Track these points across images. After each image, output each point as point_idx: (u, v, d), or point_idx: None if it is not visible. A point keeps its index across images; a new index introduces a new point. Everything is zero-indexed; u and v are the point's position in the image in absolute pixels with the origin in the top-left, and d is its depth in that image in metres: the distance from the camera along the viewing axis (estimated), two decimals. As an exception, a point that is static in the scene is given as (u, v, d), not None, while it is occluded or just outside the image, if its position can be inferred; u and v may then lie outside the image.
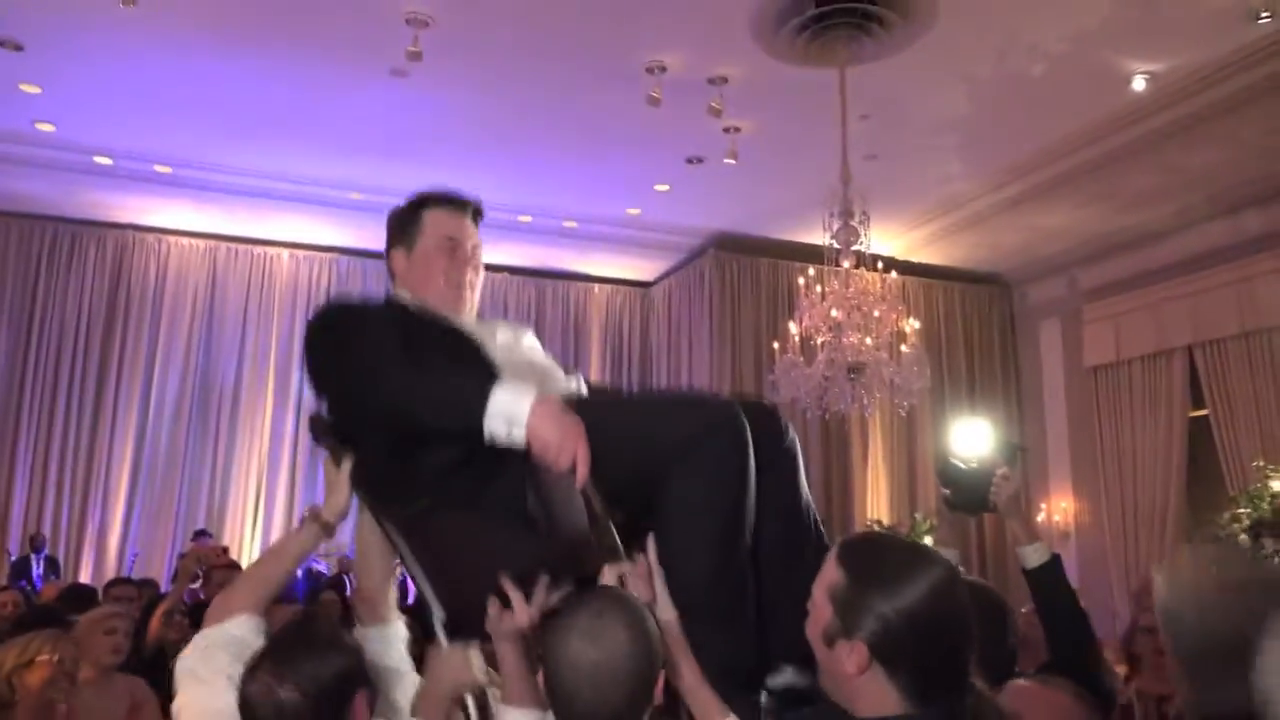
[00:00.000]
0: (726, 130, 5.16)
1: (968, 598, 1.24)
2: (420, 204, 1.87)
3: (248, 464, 7.03)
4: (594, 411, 1.48)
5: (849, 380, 4.62)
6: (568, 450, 1.39)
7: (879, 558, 1.27)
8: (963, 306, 7.47)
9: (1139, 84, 4.78)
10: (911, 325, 4.62)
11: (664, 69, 4.66)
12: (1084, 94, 4.92)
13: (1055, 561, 2.09)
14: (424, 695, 1.50)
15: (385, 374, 1.54)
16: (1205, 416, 6.20)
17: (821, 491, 6.79)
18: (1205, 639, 1.28)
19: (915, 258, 6.88)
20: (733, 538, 1.45)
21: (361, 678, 1.45)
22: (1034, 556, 2.06)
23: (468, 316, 1.81)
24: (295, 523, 6.73)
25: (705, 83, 4.80)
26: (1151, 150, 5.39)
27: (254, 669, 1.40)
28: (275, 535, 6.89)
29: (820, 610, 1.24)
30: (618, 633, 1.27)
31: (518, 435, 1.41)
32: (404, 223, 1.86)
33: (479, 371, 1.57)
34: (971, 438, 2.36)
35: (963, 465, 2.18)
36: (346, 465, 1.64)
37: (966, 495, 2.13)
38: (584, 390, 1.77)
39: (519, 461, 1.43)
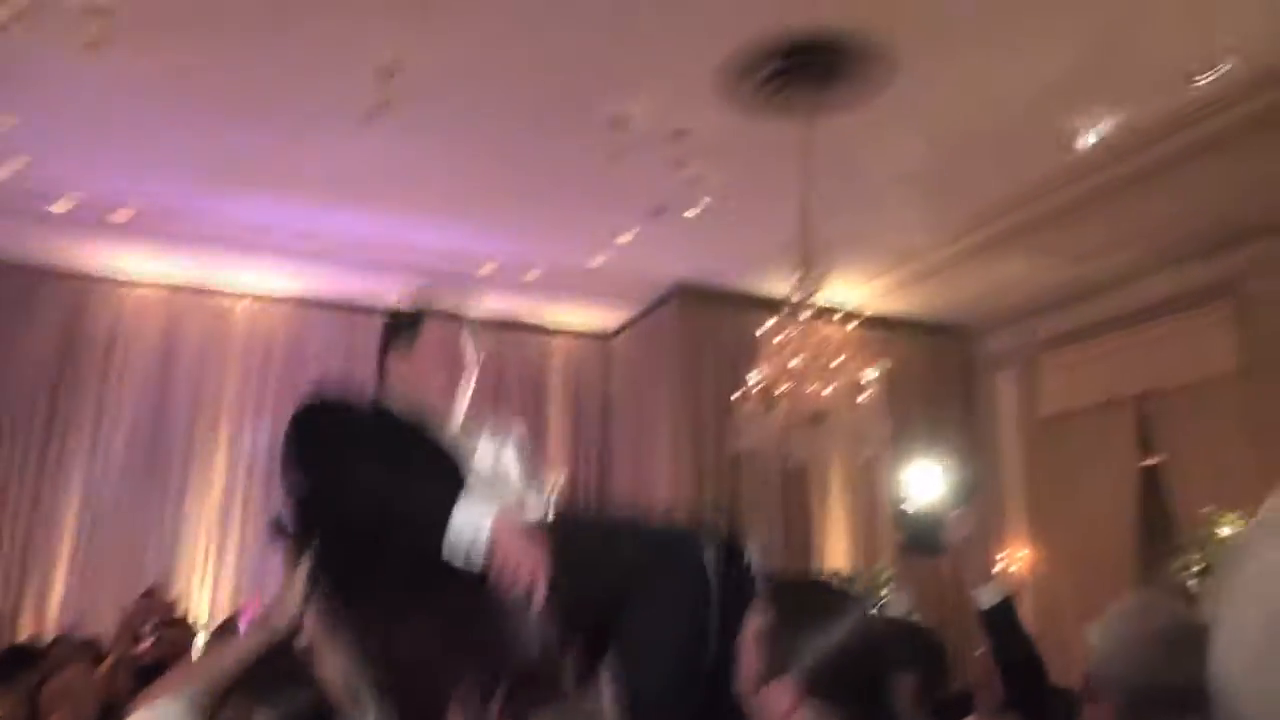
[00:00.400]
0: (688, 182, 5.23)
1: (885, 633, 1.30)
2: (421, 312, 1.94)
3: (199, 520, 6.85)
4: (557, 533, 1.50)
5: (810, 429, 4.64)
6: (525, 572, 1.40)
7: (804, 597, 1.32)
8: (922, 356, 7.56)
9: (1095, 135, 4.93)
10: (871, 374, 4.66)
11: (627, 121, 4.72)
12: (1041, 146, 5.05)
13: (1008, 602, 2.11)
14: None
15: (354, 479, 1.56)
16: (1157, 464, 6.31)
17: (781, 542, 6.78)
18: (1136, 690, 1.30)
19: (875, 308, 6.97)
20: (693, 666, 1.46)
21: (330, 712, 1.42)
22: (987, 597, 2.08)
23: (456, 423, 1.86)
24: (245, 585, 6.61)
25: (668, 134, 4.86)
26: (1104, 202, 5.54)
27: (225, 699, 1.37)
28: (226, 594, 6.70)
29: (749, 656, 1.28)
30: None
31: (477, 552, 1.42)
32: (402, 328, 1.93)
33: (448, 486, 1.58)
34: (924, 482, 2.40)
35: (916, 510, 2.22)
36: (302, 568, 1.64)
37: (921, 539, 2.17)
38: (552, 506, 1.81)
39: (478, 578, 1.44)
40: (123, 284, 6.97)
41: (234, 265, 6.77)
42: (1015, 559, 6.87)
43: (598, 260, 6.52)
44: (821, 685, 1.23)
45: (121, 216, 5.99)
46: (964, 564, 2.20)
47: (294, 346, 7.25)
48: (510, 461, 1.84)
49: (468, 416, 1.90)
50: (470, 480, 1.67)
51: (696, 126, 4.83)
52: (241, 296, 7.21)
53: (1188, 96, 4.55)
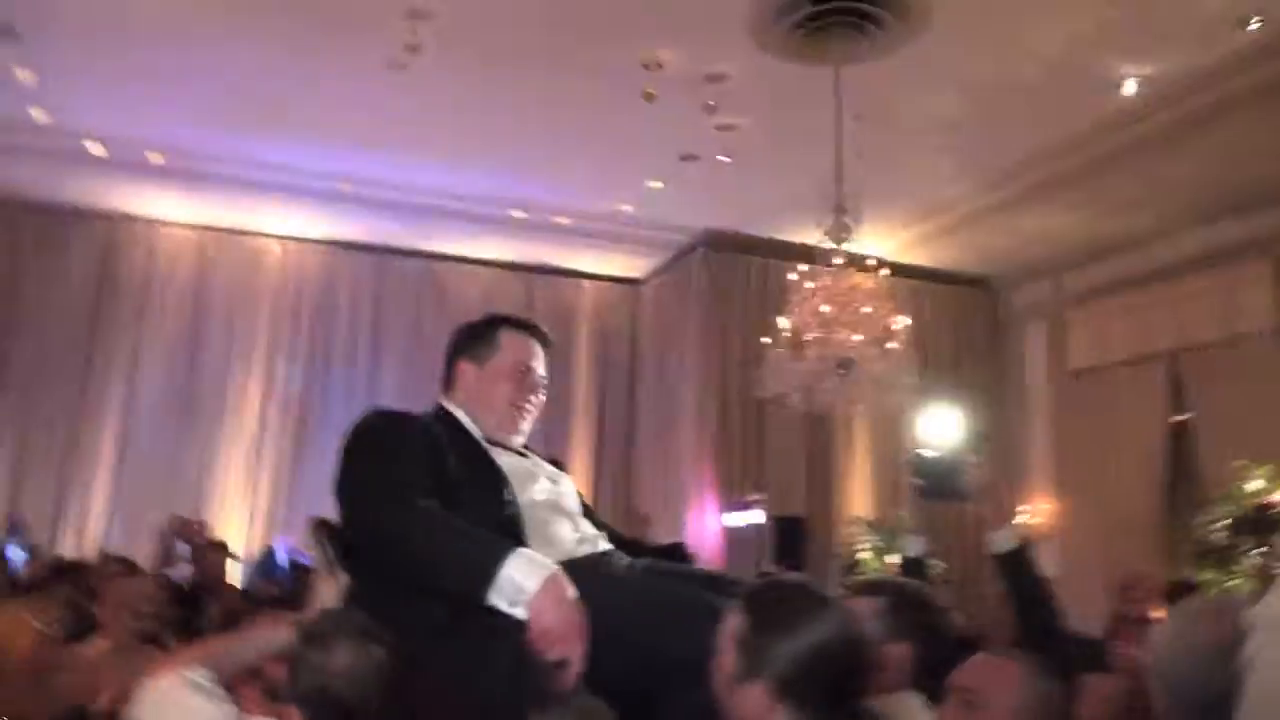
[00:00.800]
0: (720, 128, 5.20)
1: (863, 636, 1.30)
2: (498, 323, 1.89)
3: (231, 455, 6.99)
4: (605, 597, 1.45)
5: (837, 376, 4.65)
6: (564, 644, 1.35)
7: (778, 602, 1.32)
8: (950, 307, 7.53)
9: (1130, 88, 4.85)
10: (901, 323, 4.66)
11: (660, 65, 4.70)
12: (1074, 99, 4.98)
13: (1024, 547, 2.14)
14: None
15: (397, 516, 1.50)
16: (1187, 421, 6.28)
17: (804, 487, 6.84)
18: (1189, 695, 1.34)
19: (904, 258, 6.92)
20: None
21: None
22: (1002, 542, 2.11)
23: (518, 439, 1.83)
24: (280, 521, 6.74)
25: (701, 79, 4.83)
26: (1136, 157, 5.46)
27: (325, 639, 1.40)
28: (259, 529, 6.85)
29: (725, 657, 1.29)
30: None
31: (519, 612, 1.38)
32: (478, 337, 1.88)
33: (497, 534, 1.53)
34: (944, 429, 2.44)
35: (934, 455, 2.25)
36: (334, 584, 1.65)
37: (938, 484, 2.19)
38: (601, 540, 1.75)
39: (517, 633, 1.39)
40: (157, 224, 7.05)
41: (266, 208, 6.82)
42: (1039, 511, 6.88)
43: (628, 206, 6.52)
44: (794, 690, 1.25)
45: (156, 158, 6.04)
46: (983, 510, 2.23)
47: (325, 288, 7.32)
48: (569, 494, 1.81)
49: (530, 435, 1.87)
50: (524, 512, 1.62)
51: (729, 72, 4.80)
52: (274, 238, 7.27)
53: (1222, 51, 4.47)
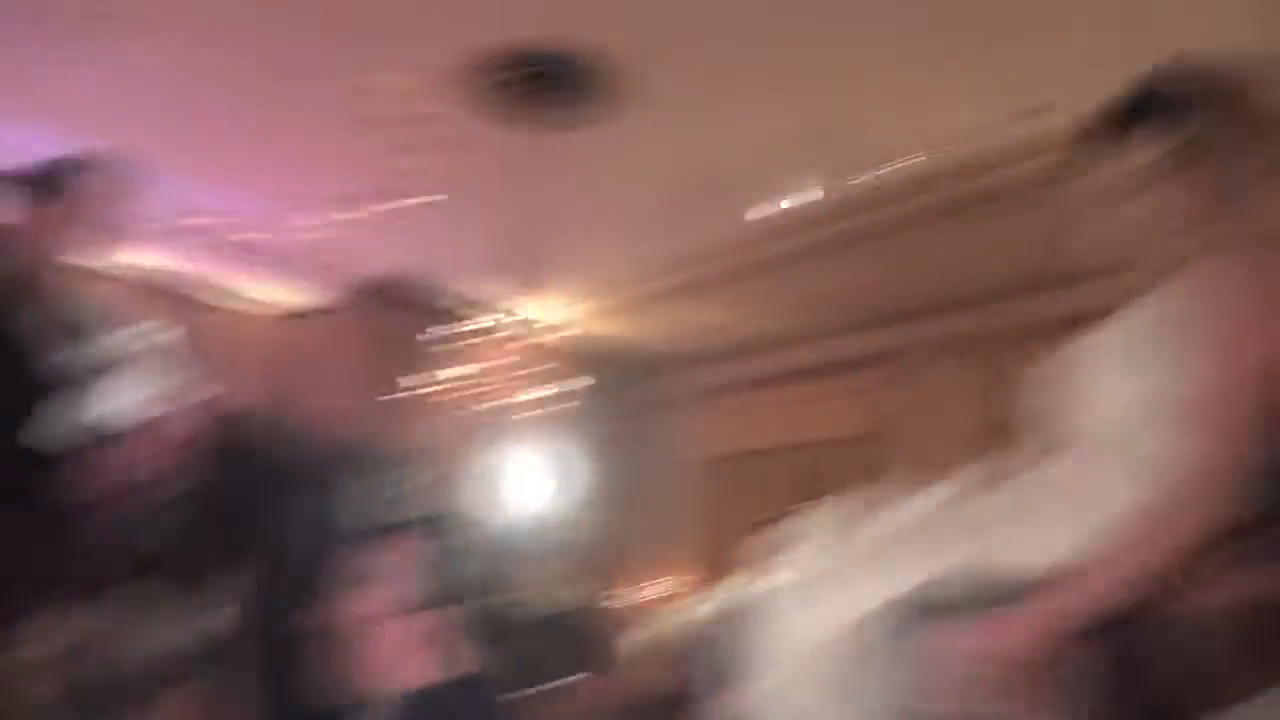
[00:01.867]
0: (407, 173, 5.02)
1: None
2: (77, 164, 1.67)
3: None
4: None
5: (494, 435, 4.60)
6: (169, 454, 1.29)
7: None
8: (613, 384, 7.76)
9: (794, 201, 5.29)
10: (562, 388, 4.70)
11: (365, 96, 4.46)
12: (750, 202, 5.35)
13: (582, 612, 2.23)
14: None
15: None
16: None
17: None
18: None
19: (572, 329, 7.06)
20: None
21: None
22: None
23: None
24: None
25: (403, 119, 4.64)
26: (797, 264, 5.98)
27: None
28: None
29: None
30: None
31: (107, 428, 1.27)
32: (47, 178, 1.66)
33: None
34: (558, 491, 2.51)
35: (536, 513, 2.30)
36: None
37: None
38: None
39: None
40: None
41: None
42: (662, 585, 7.21)
43: (302, 235, 6.10)
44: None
45: None
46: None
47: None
48: (150, 353, 1.61)
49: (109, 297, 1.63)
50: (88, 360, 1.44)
51: (434, 116, 4.64)
52: None
53: (875, 181, 5.01)
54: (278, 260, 6.55)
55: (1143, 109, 1.42)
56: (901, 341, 6.50)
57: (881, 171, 4.85)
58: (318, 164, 5.27)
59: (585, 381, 6.92)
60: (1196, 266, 1.31)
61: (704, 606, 1.74)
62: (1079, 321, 1.48)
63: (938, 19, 3.84)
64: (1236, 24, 3.62)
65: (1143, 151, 1.39)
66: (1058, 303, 5.03)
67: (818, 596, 1.36)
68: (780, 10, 3.87)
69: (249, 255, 6.51)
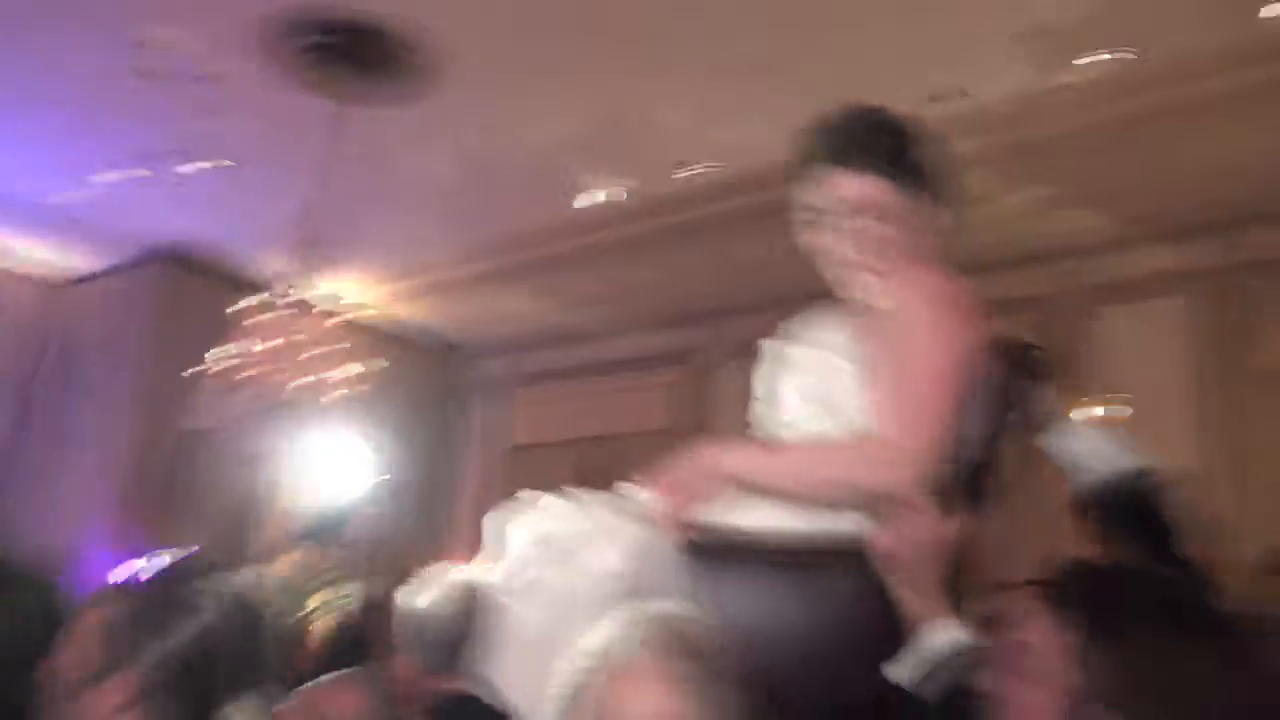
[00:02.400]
0: (204, 135, 4.75)
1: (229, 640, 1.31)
2: None
3: None
4: None
5: (274, 416, 4.42)
6: None
7: (151, 596, 1.34)
8: (411, 368, 7.62)
9: (598, 197, 5.34)
10: (350, 370, 4.56)
11: (142, 45, 4.16)
12: (555, 194, 5.32)
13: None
14: None
15: None
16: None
17: (231, 526, 6.30)
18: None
19: (374, 313, 6.89)
20: None
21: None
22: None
23: None
24: None
25: (192, 77, 4.37)
26: (597, 260, 6.05)
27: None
28: None
29: (86, 650, 1.27)
30: None
31: None
32: None
33: None
34: (352, 476, 2.48)
35: (326, 501, 2.29)
36: None
37: (320, 528, 2.23)
38: None
39: None
40: None
41: None
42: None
43: (73, 196, 5.63)
44: (156, 688, 1.23)
45: None
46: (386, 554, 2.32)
47: None
48: None
49: None
50: None
51: (226, 75, 4.39)
52: None
53: (677, 184, 5.14)
54: (52, 222, 6.04)
55: (835, 148, 1.58)
56: (698, 341, 6.71)
57: (681, 175, 4.98)
58: (94, 119, 4.88)
59: (383, 365, 6.77)
60: (887, 286, 1.49)
61: (425, 593, 1.74)
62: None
63: (737, 40, 3.99)
64: (998, 66, 3.99)
65: (833, 186, 1.56)
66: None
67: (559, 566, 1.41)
68: (591, 10, 3.93)
69: (18, 215, 5.97)
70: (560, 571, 1.38)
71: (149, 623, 1.23)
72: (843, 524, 1.41)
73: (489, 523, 1.59)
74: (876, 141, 1.55)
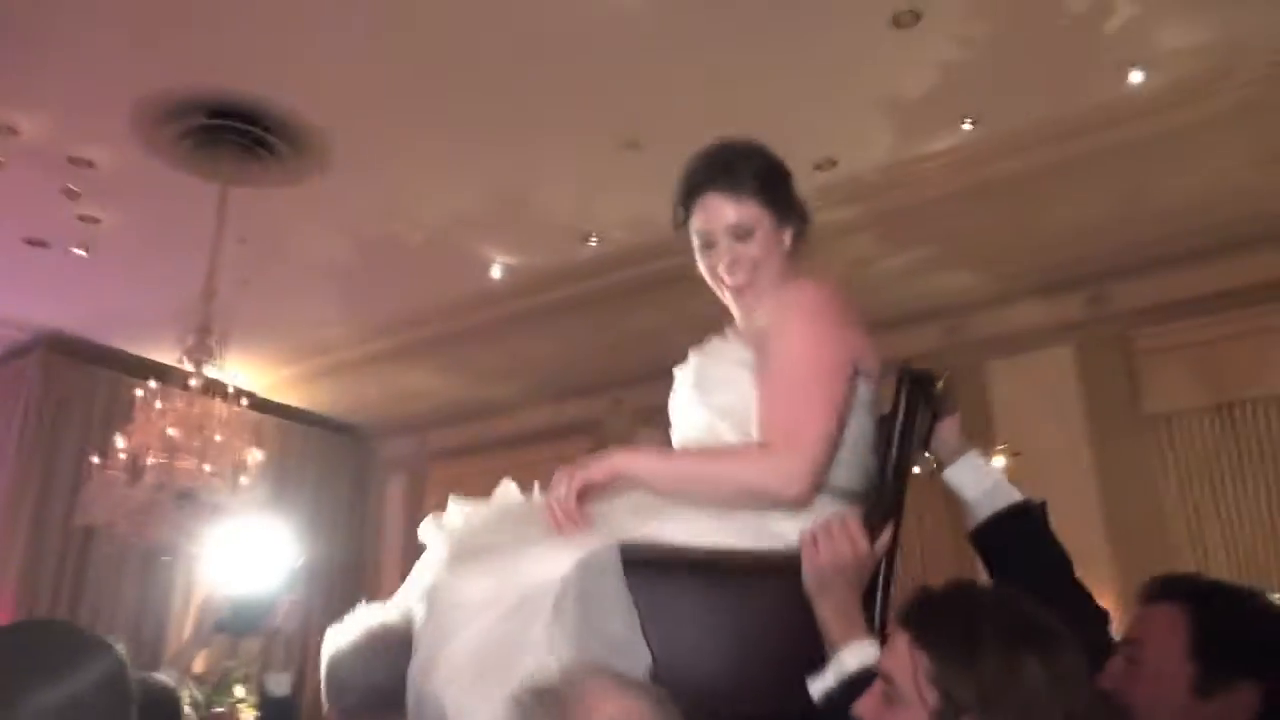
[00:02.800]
0: (82, 218, 4.69)
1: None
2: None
3: None
4: None
5: (176, 506, 4.31)
6: None
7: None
8: (315, 449, 7.51)
9: (496, 272, 5.42)
10: (255, 457, 4.50)
11: (16, 132, 4.13)
12: (451, 270, 5.41)
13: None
14: None
15: None
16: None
17: (133, 631, 6.07)
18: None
19: (275, 395, 6.79)
20: None
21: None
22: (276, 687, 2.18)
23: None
24: None
25: (66, 160, 4.35)
26: (499, 335, 6.10)
27: None
28: None
29: None
30: None
31: None
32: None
33: None
34: (261, 563, 2.45)
35: (243, 593, 2.27)
36: None
37: (238, 619, 2.21)
38: None
39: None
40: None
41: None
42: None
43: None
44: None
45: None
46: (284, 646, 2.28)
47: None
48: None
49: None
50: None
51: (102, 159, 4.38)
52: None
53: (568, 258, 5.25)
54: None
55: (711, 175, 1.67)
56: (601, 411, 6.76)
57: (572, 247, 5.10)
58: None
59: (282, 450, 6.67)
60: (773, 299, 1.61)
61: (343, 634, 1.69)
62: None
63: (607, 114, 4.13)
64: (866, 137, 4.23)
65: (714, 210, 1.66)
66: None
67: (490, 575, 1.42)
68: (464, 93, 4.02)
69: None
70: (501, 580, 1.39)
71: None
72: (770, 540, 1.46)
73: (422, 530, 1.62)
74: (748, 168, 1.66)
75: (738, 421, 1.54)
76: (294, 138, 4.33)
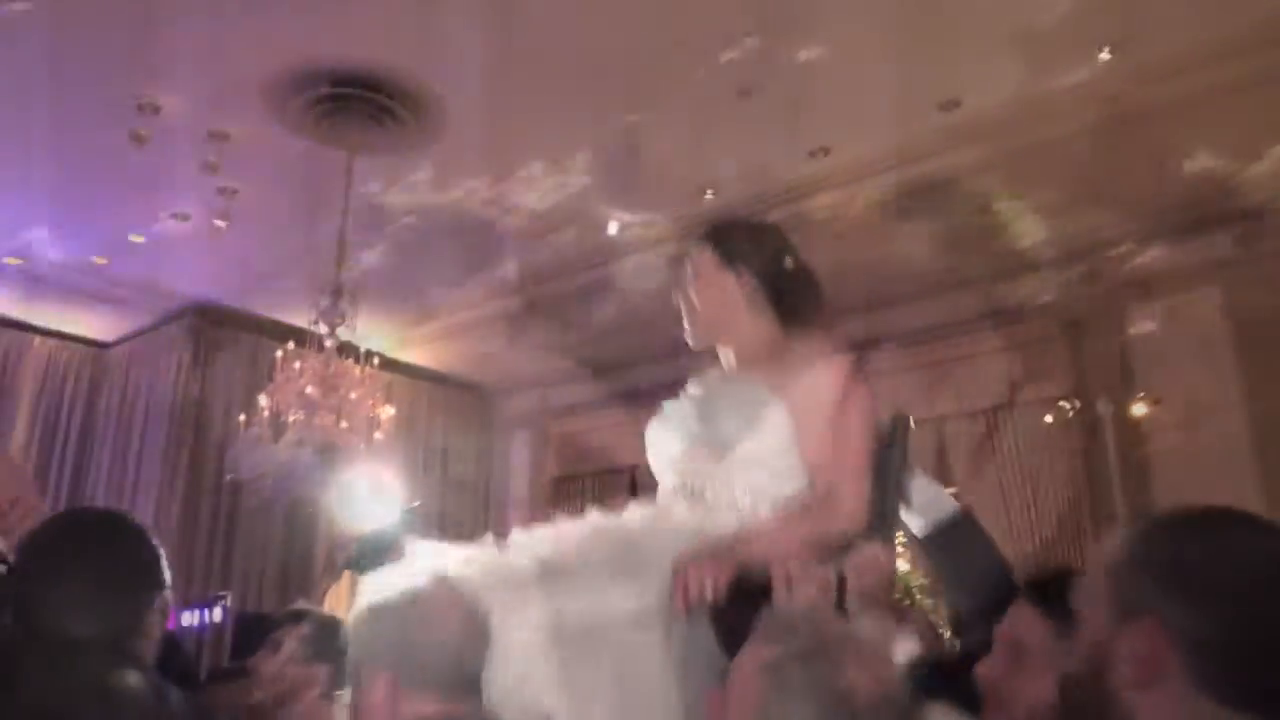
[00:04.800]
0: (221, 191, 4.91)
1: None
2: None
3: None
4: None
5: (317, 462, 4.52)
6: None
7: None
8: (445, 408, 7.73)
9: (613, 229, 5.44)
10: (387, 413, 4.67)
11: (157, 109, 4.34)
12: (566, 232, 5.47)
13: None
14: None
15: None
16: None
17: (279, 582, 6.43)
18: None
19: (402, 355, 7.01)
20: None
21: None
22: None
23: None
24: None
25: (204, 136, 4.54)
26: (618, 290, 6.12)
27: None
28: None
29: None
30: None
31: None
32: None
33: None
34: (384, 512, 2.59)
35: (368, 534, 2.38)
36: None
37: (367, 559, 2.31)
38: None
39: None
40: None
41: None
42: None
43: (102, 259, 5.83)
44: None
45: None
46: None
47: None
48: None
49: None
50: None
51: (237, 133, 4.56)
52: None
53: (688, 210, 5.21)
54: (78, 286, 6.22)
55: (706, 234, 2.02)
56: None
57: (694, 202, 5.07)
58: (109, 188, 5.03)
59: (411, 407, 6.89)
60: (800, 371, 1.86)
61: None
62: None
63: (722, 69, 4.04)
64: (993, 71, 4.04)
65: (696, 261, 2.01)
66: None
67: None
68: (579, 53, 4.02)
69: (44, 282, 6.15)
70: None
71: None
72: None
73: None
74: (735, 234, 2.02)
75: (767, 469, 1.82)
76: (415, 104, 4.41)
